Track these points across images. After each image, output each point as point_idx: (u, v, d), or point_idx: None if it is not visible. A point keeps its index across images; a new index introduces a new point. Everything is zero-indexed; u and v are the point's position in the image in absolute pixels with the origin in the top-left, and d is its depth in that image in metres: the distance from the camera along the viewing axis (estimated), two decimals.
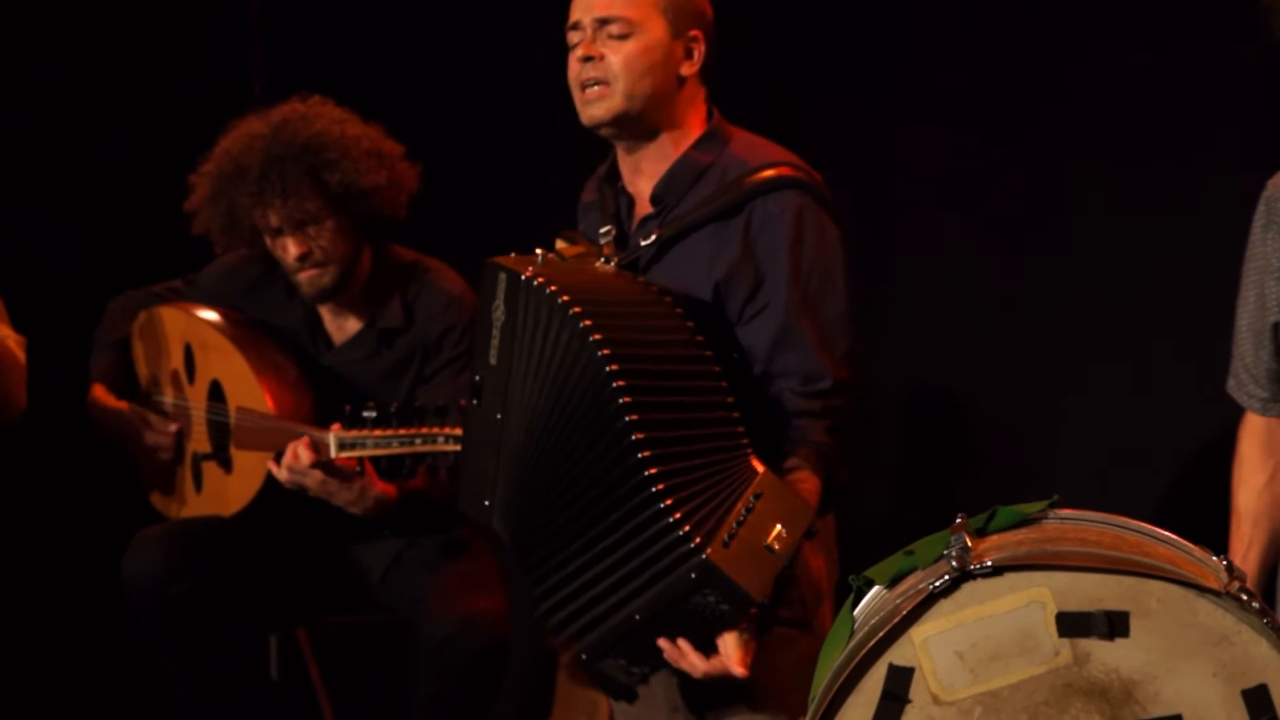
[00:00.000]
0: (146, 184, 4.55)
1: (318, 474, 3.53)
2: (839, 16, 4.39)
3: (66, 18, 4.74)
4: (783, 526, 2.71)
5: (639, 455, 2.70)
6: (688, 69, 3.01)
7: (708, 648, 2.74)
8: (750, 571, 2.66)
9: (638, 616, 2.73)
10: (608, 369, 2.71)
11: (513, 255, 2.93)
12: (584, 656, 2.82)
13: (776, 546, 2.69)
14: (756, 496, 2.74)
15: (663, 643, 2.74)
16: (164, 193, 3.92)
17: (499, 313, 2.89)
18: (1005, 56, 4.09)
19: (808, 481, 2.87)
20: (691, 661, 2.73)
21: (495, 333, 2.90)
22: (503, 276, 2.89)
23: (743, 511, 2.71)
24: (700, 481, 2.72)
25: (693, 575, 2.67)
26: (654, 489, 2.69)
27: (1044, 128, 4.06)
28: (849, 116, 4.32)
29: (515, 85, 4.60)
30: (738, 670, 2.71)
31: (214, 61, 4.83)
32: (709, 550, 2.66)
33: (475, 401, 2.96)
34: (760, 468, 2.78)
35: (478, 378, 2.95)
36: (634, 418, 2.70)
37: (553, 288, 2.79)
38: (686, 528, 2.67)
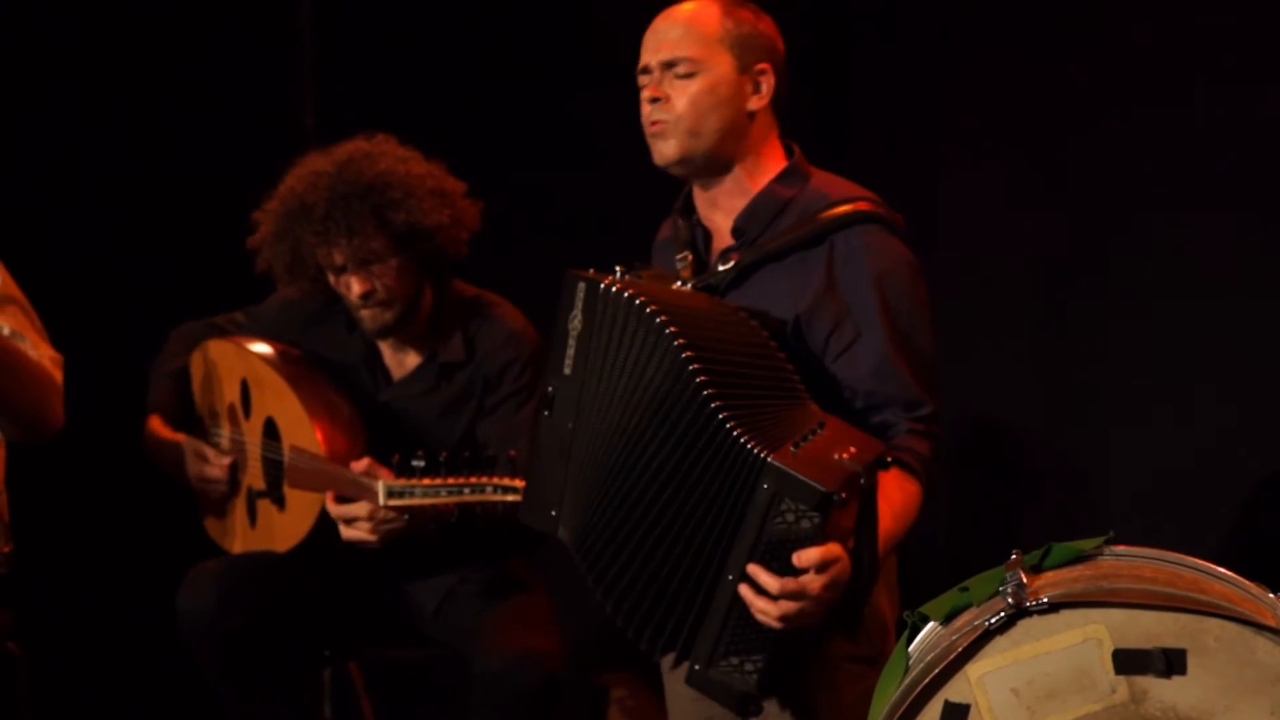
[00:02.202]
0: (200, 215, 4.59)
1: (368, 525, 3.54)
2: (881, 58, 4.40)
3: (120, 49, 4.79)
4: (853, 446, 2.72)
5: (710, 406, 2.71)
6: (756, 103, 3.04)
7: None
8: (819, 471, 2.65)
9: (730, 577, 2.71)
10: (684, 355, 2.75)
11: (591, 270, 2.96)
12: (696, 668, 2.78)
13: (846, 458, 2.68)
14: (821, 425, 2.76)
15: (742, 588, 2.70)
16: (219, 223, 3.94)
17: (576, 322, 2.92)
18: (1048, 90, 4.09)
19: (909, 484, 2.90)
20: (765, 583, 2.68)
21: (571, 342, 2.93)
22: (582, 285, 2.92)
23: (808, 432, 2.74)
24: (766, 423, 2.74)
25: (765, 486, 2.66)
26: (725, 425, 2.70)
27: (1087, 161, 4.05)
28: (892, 153, 4.33)
29: (572, 119, 4.63)
30: (809, 579, 2.65)
31: (266, 95, 4.87)
32: (773, 455, 2.66)
33: (546, 413, 2.98)
34: (821, 413, 2.81)
35: (550, 388, 2.97)
36: (705, 380, 2.72)
37: (631, 292, 2.83)
38: (752, 444, 2.67)
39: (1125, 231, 3.99)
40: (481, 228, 3.78)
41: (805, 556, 2.66)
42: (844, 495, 2.63)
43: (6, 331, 3.54)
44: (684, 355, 2.75)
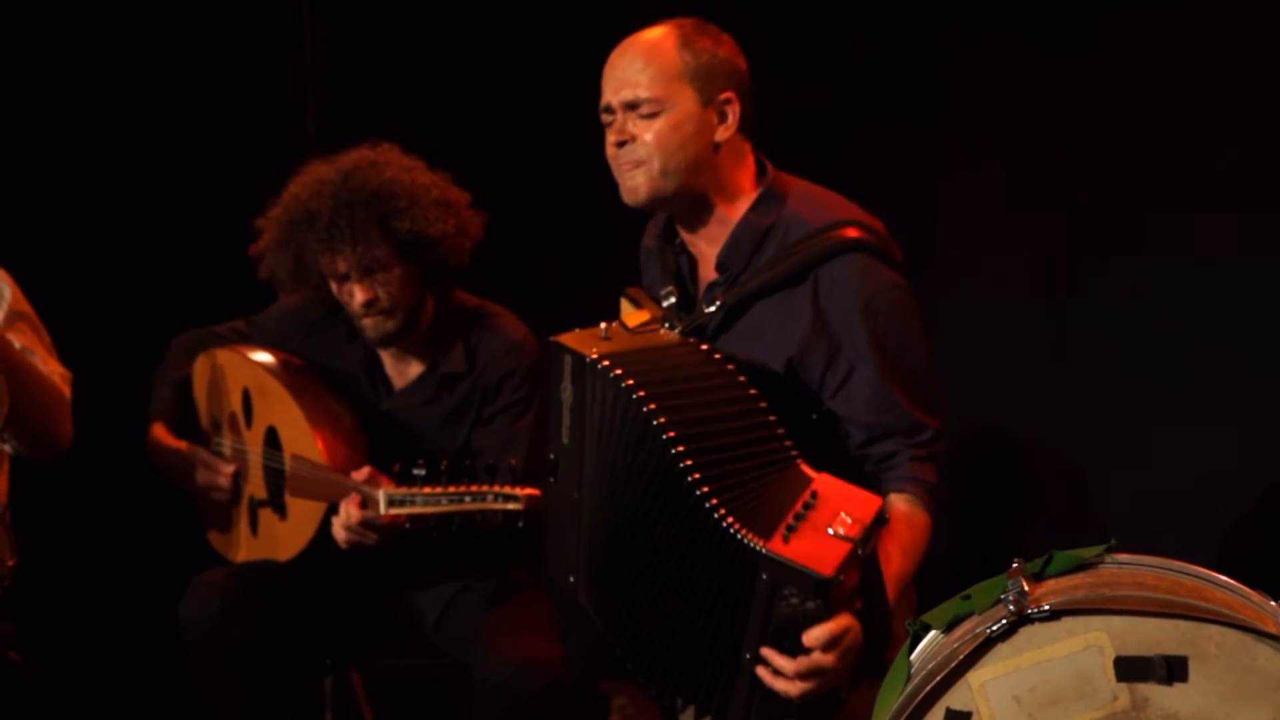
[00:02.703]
0: (201, 221, 4.59)
1: (372, 535, 3.55)
2: (882, 60, 4.40)
3: (122, 55, 4.80)
4: (846, 514, 2.71)
5: (697, 493, 2.72)
6: (723, 134, 3.01)
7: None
8: (815, 557, 2.65)
9: (747, 656, 2.72)
10: (666, 436, 2.75)
11: (575, 332, 2.97)
12: None
13: (841, 530, 2.68)
14: (814, 495, 2.75)
15: (759, 670, 2.72)
16: (221, 230, 3.95)
17: (567, 393, 2.94)
18: (1050, 93, 4.09)
19: (918, 516, 2.90)
20: (781, 666, 2.69)
21: (565, 413, 2.95)
22: (568, 359, 2.93)
23: (800, 509, 2.73)
24: (755, 501, 2.74)
25: (764, 576, 2.67)
26: (714, 515, 2.70)
27: (1088, 166, 4.05)
28: (894, 160, 4.33)
29: (577, 127, 4.63)
30: (821, 657, 2.66)
31: (267, 101, 4.88)
32: (767, 545, 2.66)
33: (552, 480, 3.01)
34: (813, 473, 2.80)
35: (552, 456, 3.01)
36: (690, 464, 2.73)
37: (616, 371, 2.83)
38: (745, 534, 2.68)
39: (1127, 237, 3.99)
40: (484, 237, 3.78)
41: (814, 636, 2.67)
42: (841, 578, 2.65)
43: (18, 347, 3.56)
44: (666, 437, 2.75)
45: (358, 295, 3.68)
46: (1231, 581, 2.28)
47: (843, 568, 2.65)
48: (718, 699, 2.80)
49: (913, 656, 2.37)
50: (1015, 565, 2.28)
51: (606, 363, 2.85)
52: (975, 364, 4.15)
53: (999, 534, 4.25)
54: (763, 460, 2.81)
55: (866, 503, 2.76)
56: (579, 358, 2.89)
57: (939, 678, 2.20)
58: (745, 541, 2.68)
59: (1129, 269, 3.99)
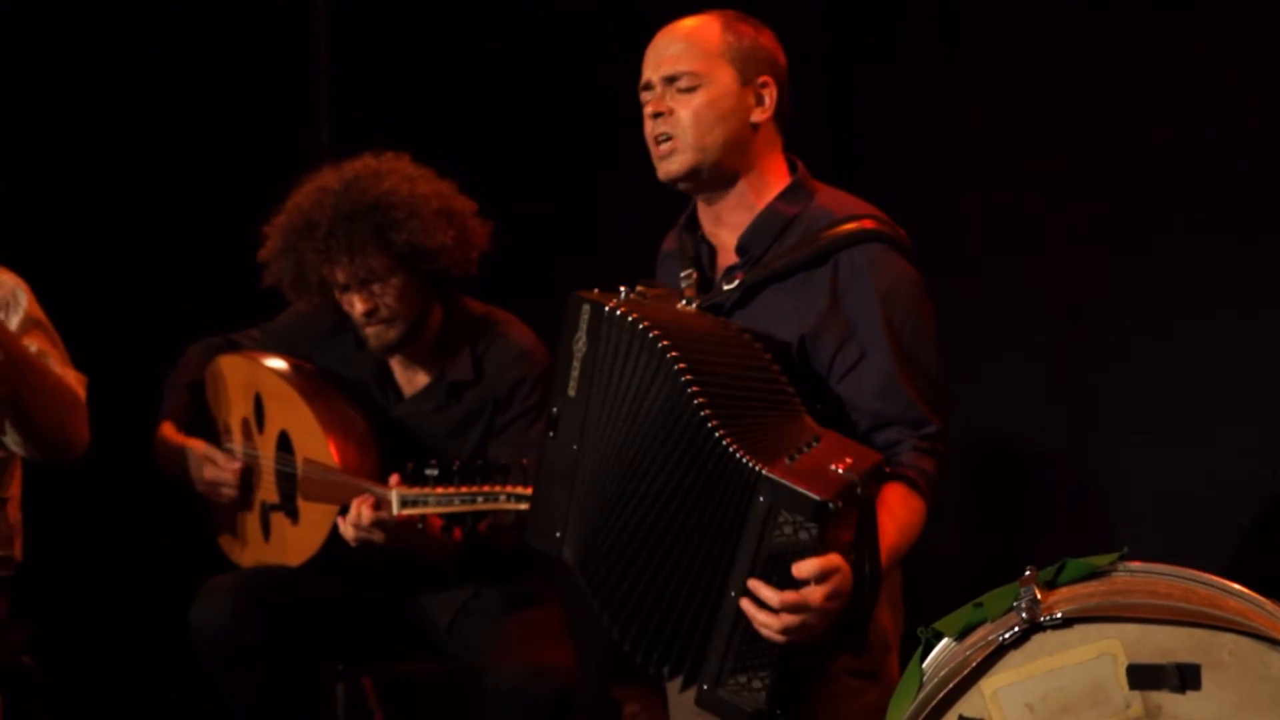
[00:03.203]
0: (214, 229, 4.60)
1: (381, 533, 3.55)
2: (893, 74, 4.41)
3: (136, 64, 4.82)
4: (849, 457, 2.71)
5: (704, 420, 2.72)
6: (760, 115, 3.03)
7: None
8: (814, 482, 2.64)
9: (732, 593, 2.71)
10: (684, 378, 2.75)
11: (596, 290, 2.96)
12: (704, 688, 2.76)
13: (841, 469, 2.67)
14: (817, 438, 2.76)
15: (743, 602, 2.69)
16: (234, 238, 3.96)
17: (580, 344, 2.92)
18: (1065, 106, 4.09)
19: (914, 500, 2.88)
20: (766, 596, 2.67)
21: (576, 364, 2.93)
22: (586, 308, 2.92)
23: (804, 446, 2.73)
24: (761, 436, 2.74)
25: (761, 499, 2.66)
26: (718, 439, 2.70)
27: (1102, 178, 4.06)
28: (905, 171, 4.33)
29: (588, 134, 4.64)
30: (809, 592, 2.64)
31: (282, 109, 4.89)
32: (768, 467, 2.66)
33: (551, 434, 2.99)
34: (818, 426, 2.81)
35: (555, 410, 2.98)
36: (700, 396, 2.73)
37: (635, 315, 2.83)
38: (747, 457, 2.67)
39: (1140, 248, 3.99)
40: (494, 245, 3.78)
41: (804, 567, 2.64)
42: (839, 504, 2.62)
43: (34, 351, 3.57)
44: (684, 378, 2.75)
45: (358, 305, 3.69)
46: (1244, 590, 2.28)
47: (841, 495, 2.63)
48: (695, 649, 2.77)
49: (925, 664, 2.37)
50: (1028, 573, 2.29)
51: (624, 309, 2.86)
52: (988, 373, 4.15)
53: (1011, 541, 4.25)
54: (771, 407, 2.82)
55: (868, 454, 2.77)
56: (598, 306, 2.89)
57: (951, 685, 2.20)
58: (746, 463, 2.67)
59: (1140, 284, 3.99)
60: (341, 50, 4.90)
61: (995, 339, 4.20)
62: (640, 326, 2.81)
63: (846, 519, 2.67)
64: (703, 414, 2.72)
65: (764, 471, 2.66)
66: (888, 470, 2.87)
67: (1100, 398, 4.07)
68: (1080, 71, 4.07)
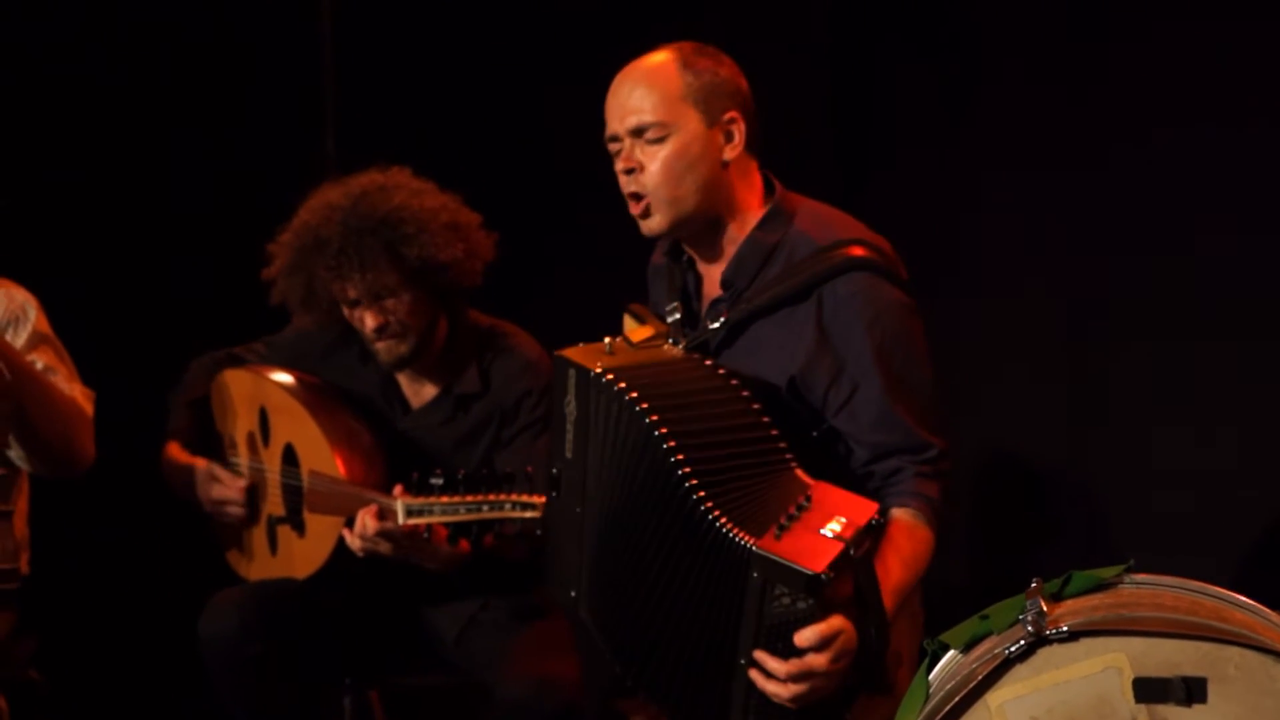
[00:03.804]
0: (223, 243, 4.61)
1: (387, 543, 3.55)
2: (902, 90, 4.41)
3: (142, 80, 4.82)
4: (840, 516, 2.71)
5: (692, 496, 2.73)
6: (730, 153, 3.00)
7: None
8: (805, 554, 2.65)
9: (742, 661, 2.72)
10: (666, 446, 2.75)
11: (580, 346, 2.96)
12: None
13: (833, 531, 2.68)
14: (807, 498, 2.76)
15: (752, 673, 2.71)
16: (240, 252, 3.96)
17: (571, 407, 2.94)
18: (1068, 123, 4.09)
19: (920, 530, 2.88)
20: (772, 668, 2.68)
21: (569, 427, 2.95)
22: (572, 373, 2.93)
23: (793, 511, 2.73)
24: (750, 505, 2.74)
25: (755, 575, 2.67)
26: (708, 516, 2.71)
27: (1108, 194, 4.05)
28: (912, 186, 4.33)
29: (589, 145, 4.64)
30: (813, 659, 2.65)
31: (288, 124, 4.89)
32: (758, 543, 2.67)
33: (555, 494, 3.02)
34: (810, 480, 2.80)
35: (555, 471, 3.01)
36: (687, 470, 2.74)
37: (620, 385, 2.83)
38: (737, 533, 2.68)
39: (1146, 262, 3.99)
40: (498, 257, 3.78)
41: (805, 637, 2.66)
42: (831, 574, 2.63)
43: (41, 367, 3.58)
44: (667, 445, 2.76)
45: (369, 321, 3.69)
46: (1251, 602, 2.28)
47: (834, 566, 2.64)
48: (716, 710, 2.78)
49: (931, 677, 2.37)
50: (1034, 585, 2.28)
51: (610, 376, 2.85)
52: (993, 386, 4.16)
53: (1017, 554, 4.24)
54: (760, 467, 2.81)
55: (861, 507, 2.76)
56: (583, 371, 2.90)
57: (957, 698, 2.20)
58: (737, 540, 2.68)
59: (1147, 292, 3.99)
60: (347, 64, 4.91)
61: (1000, 351, 4.20)
62: (627, 398, 2.82)
63: (843, 581, 2.69)
64: (689, 484, 2.73)
65: (754, 548, 2.67)
66: (896, 500, 2.88)
67: (1105, 410, 4.07)
68: (1085, 89, 4.07)
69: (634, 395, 2.81)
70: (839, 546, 2.66)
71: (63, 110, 4.76)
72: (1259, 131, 3.81)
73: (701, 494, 2.72)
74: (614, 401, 2.84)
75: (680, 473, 2.74)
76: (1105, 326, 4.06)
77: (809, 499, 2.76)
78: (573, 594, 2.99)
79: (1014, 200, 4.19)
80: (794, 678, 2.67)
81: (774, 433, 2.84)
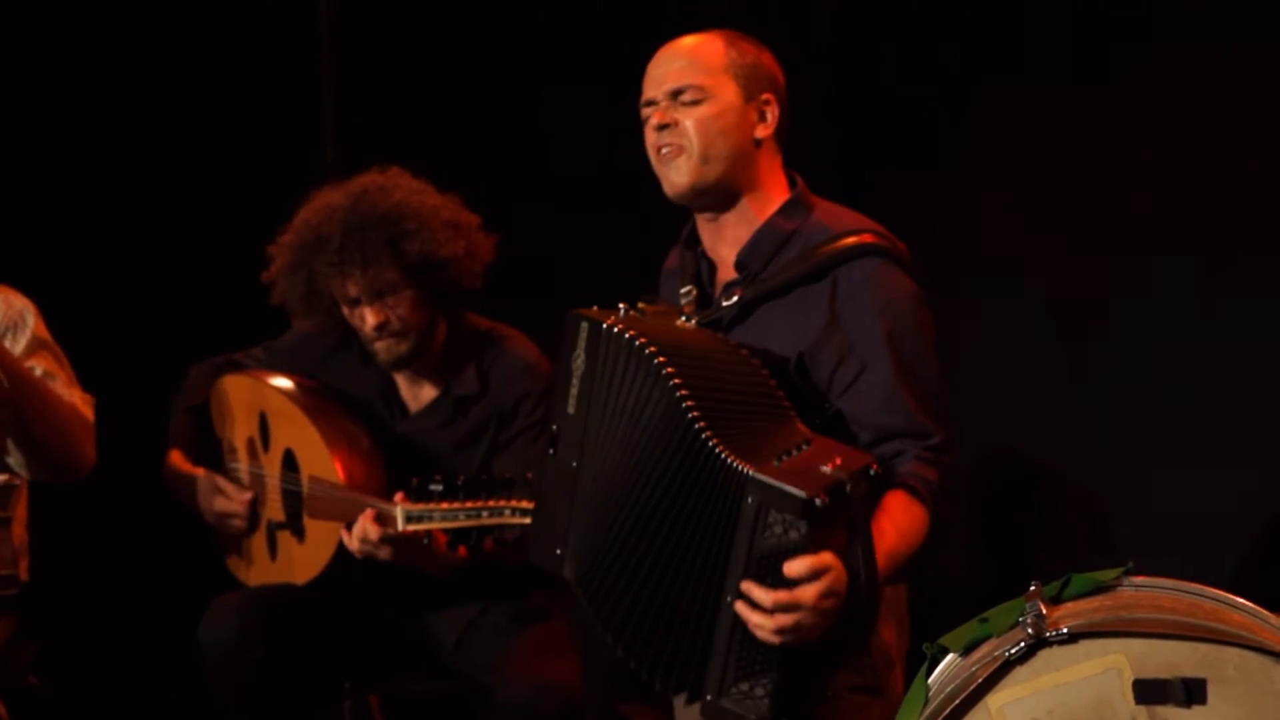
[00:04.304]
0: (223, 248, 4.61)
1: (387, 548, 3.55)
2: (904, 95, 4.41)
3: (141, 83, 4.83)
4: (839, 458, 2.71)
5: (695, 428, 2.74)
6: (762, 131, 3.05)
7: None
8: (801, 480, 2.65)
9: (728, 598, 2.71)
10: (679, 393, 2.77)
11: (595, 308, 2.97)
12: (708, 699, 2.76)
13: (830, 468, 2.68)
14: (807, 441, 2.78)
15: (738, 605, 2.70)
16: (239, 258, 3.97)
17: (579, 361, 2.94)
18: (1072, 125, 4.09)
19: (915, 507, 2.88)
20: (758, 597, 2.67)
21: (575, 382, 2.94)
22: (585, 326, 2.94)
23: (793, 450, 2.75)
24: (751, 441, 2.75)
25: (749, 500, 2.67)
26: (708, 445, 2.72)
27: (1111, 195, 4.06)
28: (914, 186, 4.33)
29: (591, 150, 4.65)
30: (801, 591, 2.64)
31: (287, 129, 4.90)
32: (756, 468, 2.68)
33: (551, 452, 3.00)
34: (810, 432, 2.82)
35: (555, 427, 2.99)
36: (692, 406, 2.75)
37: (631, 333, 2.85)
38: (735, 460, 2.70)
39: (1145, 265, 3.99)
40: (497, 259, 3.79)
41: (795, 566, 2.65)
42: (826, 500, 2.62)
43: (39, 373, 3.58)
44: (679, 392, 2.77)
45: (369, 319, 3.69)
46: (1250, 604, 2.28)
47: (830, 493, 2.63)
48: (697, 661, 2.77)
49: (931, 679, 2.37)
50: (1033, 588, 2.29)
51: (621, 326, 2.87)
52: (993, 387, 4.15)
53: (1017, 556, 4.24)
54: (764, 414, 2.84)
55: (859, 456, 2.78)
56: (595, 324, 2.91)
57: (957, 701, 2.20)
58: (734, 465, 2.69)
59: (1147, 294, 3.99)
60: (345, 68, 4.91)
61: (1000, 351, 4.20)
62: (637, 343, 2.83)
63: (836, 518, 2.68)
64: (697, 425, 2.74)
65: (751, 472, 2.67)
66: (894, 479, 2.88)
67: (1105, 412, 4.07)
68: (1090, 96, 4.06)
69: (648, 345, 2.82)
70: (837, 477, 2.66)
71: (61, 114, 4.76)
72: (1260, 132, 3.81)
73: (703, 425, 2.73)
74: (625, 350, 2.85)
75: (690, 415, 2.74)
76: (1105, 326, 4.06)
77: (808, 442, 2.78)
78: (558, 552, 2.96)
79: (1014, 200, 4.19)
80: (780, 607, 2.65)
81: (778, 389, 2.87)
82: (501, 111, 4.89)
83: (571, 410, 2.96)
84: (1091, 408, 4.08)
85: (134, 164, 4.82)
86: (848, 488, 2.67)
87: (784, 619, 2.65)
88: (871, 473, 2.76)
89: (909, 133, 4.40)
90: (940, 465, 2.93)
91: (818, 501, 2.61)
